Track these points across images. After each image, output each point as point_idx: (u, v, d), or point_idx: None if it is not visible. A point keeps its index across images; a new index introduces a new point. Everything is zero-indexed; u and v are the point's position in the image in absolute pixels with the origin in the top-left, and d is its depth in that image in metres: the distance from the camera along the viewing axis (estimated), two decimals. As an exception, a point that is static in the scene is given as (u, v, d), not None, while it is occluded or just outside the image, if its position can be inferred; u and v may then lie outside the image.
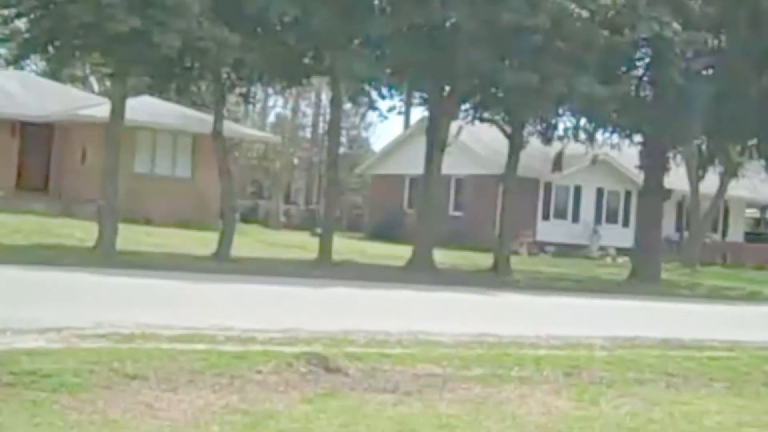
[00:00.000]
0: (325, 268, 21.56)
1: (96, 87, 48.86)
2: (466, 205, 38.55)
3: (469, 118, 26.19)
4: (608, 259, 36.54)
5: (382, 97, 24.89)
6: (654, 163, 27.29)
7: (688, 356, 11.91)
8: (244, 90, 25.98)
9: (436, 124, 24.27)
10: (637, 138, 27.99)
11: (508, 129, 25.70)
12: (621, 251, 36.51)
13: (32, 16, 21.12)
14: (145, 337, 9.74)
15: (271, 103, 60.96)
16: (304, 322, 11.51)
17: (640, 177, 29.54)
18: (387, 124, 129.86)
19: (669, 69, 23.58)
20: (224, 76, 23.45)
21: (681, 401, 9.91)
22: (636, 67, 27.24)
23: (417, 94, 26.70)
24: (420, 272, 22.61)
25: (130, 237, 23.30)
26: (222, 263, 20.75)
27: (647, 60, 26.57)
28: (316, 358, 9.50)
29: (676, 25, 22.61)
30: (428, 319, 13.24)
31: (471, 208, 38.12)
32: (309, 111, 62.89)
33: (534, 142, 28.00)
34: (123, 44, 20.22)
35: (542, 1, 21.29)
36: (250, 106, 46.44)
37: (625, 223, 39.31)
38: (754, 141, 28.61)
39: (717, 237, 42.71)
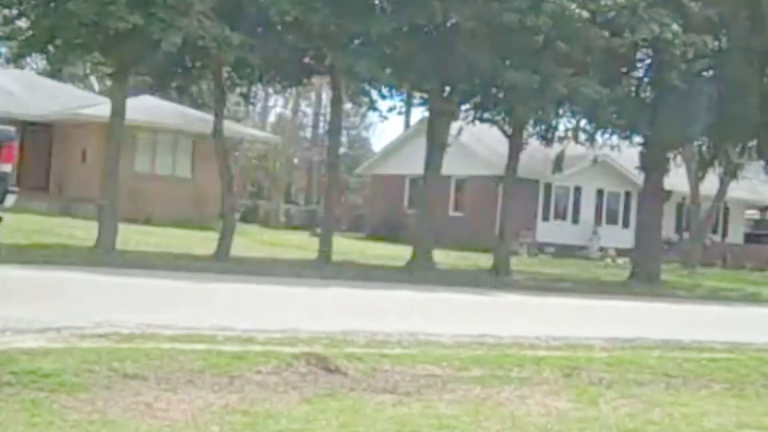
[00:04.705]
0: (325, 268, 21.55)
1: (96, 86, 48.92)
2: (466, 206, 38.55)
3: (470, 118, 26.18)
4: (608, 260, 36.55)
5: (383, 97, 24.90)
6: (654, 164, 27.28)
7: (688, 358, 11.90)
8: (244, 90, 25.99)
9: (436, 124, 24.26)
10: (637, 139, 28.00)
11: (509, 130, 25.69)
12: (621, 252, 36.53)
13: (33, 15, 21.15)
14: (145, 337, 9.73)
15: (271, 102, 61.10)
16: (304, 323, 11.50)
17: (640, 178, 29.54)
18: (387, 124, 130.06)
19: (669, 71, 23.58)
20: (225, 75, 23.46)
21: (680, 402, 9.90)
22: (636, 69, 27.25)
23: (417, 94, 26.71)
24: (420, 272, 22.61)
25: (130, 237, 23.29)
26: (222, 263, 20.75)
27: (647, 61, 26.59)
28: (315, 358, 9.49)
29: (675, 27, 22.61)
30: (428, 320, 13.23)
31: (471, 208, 38.11)
32: (309, 111, 63.01)
33: (534, 143, 28.00)
34: (124, 43, 20.25)
35: (543, 2, 21.30)
36: (251, 106, 46.55)
37: (625, 224, 39.35)
38: (754, 142, 28.62)
39: (717, 238, 42.72)
